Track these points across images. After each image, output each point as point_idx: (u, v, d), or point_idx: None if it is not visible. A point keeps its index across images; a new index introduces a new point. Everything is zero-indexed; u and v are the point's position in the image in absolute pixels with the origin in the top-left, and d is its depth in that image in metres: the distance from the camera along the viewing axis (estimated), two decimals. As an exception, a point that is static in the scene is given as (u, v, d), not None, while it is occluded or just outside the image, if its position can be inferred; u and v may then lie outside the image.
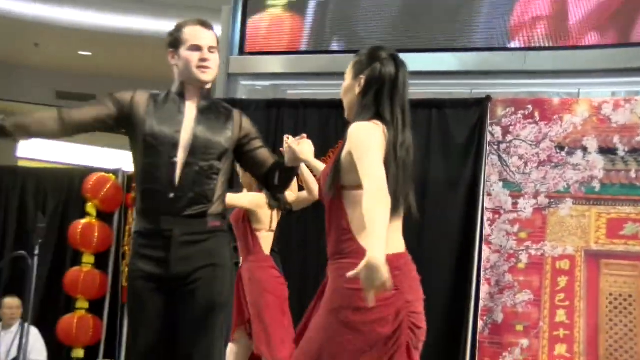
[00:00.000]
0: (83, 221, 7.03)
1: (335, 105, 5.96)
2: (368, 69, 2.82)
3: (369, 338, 2.67)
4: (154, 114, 3.15)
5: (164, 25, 11.12)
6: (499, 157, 5.63)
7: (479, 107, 5.74)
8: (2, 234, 7.75)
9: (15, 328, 6.67)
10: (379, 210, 2.53)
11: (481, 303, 5.52)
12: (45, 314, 7.22)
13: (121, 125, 3.21)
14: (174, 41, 3.22)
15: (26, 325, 6.29)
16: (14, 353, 6.48)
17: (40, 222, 6.49)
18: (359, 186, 2.63)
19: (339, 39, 6.47)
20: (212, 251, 3.13)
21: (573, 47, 5.81)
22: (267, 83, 6.87)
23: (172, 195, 3.07)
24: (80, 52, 11.75)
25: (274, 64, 6.73)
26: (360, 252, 2.55)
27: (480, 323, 5.50)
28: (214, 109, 3.23)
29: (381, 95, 2.78)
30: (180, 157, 3.10)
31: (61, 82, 12.55)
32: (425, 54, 6.20)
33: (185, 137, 3.13)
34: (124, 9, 10.63)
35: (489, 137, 5.67)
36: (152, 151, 3.11)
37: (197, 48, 3.16)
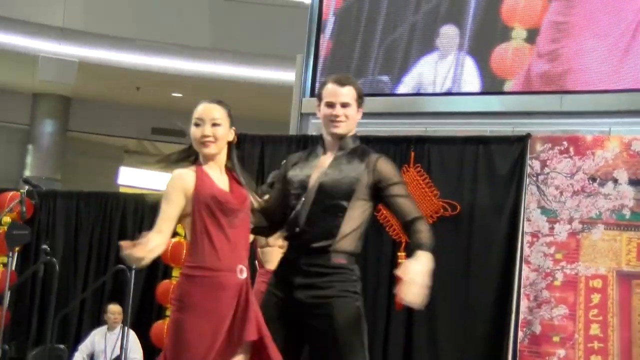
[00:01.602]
0: (173, 240, 7.14)
1: (393, 141, 6.12)
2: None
3: None
4: (297, 166, 3.23)
5: (243, 71, 11.39)
6: (538, 187, 5.65)
7: (520, 143, 5.77)
8: (106, 250, 7.92)
9: (117, 331, 6.84)
10: None
11: (521, 316, 5.50)
12: (141, 320, 7.36)
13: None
14: (318, 97, 3.27)
15: (126, 328, 6.52)
16: (116, 352, 6.69)
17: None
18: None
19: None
20: (334, 284, 3.06)
21: (604, 91, 5.82)
22: (334, 122, 6.97)
23: (297, 229, 3.11)
24: (173, 94, 12.05)
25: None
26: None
27: (520, 333, 5.49)
28: (351, 155, 3.19)
29: None
30: (308, 197, 3.11)
31: (156, 119, 12.84)
32: (473, 97, 6.30)
33: (314, 179, 3.14)
34: (209, 58, 10.90)
35: (528, 170, 5.69)
36: (287, 193, 3.19)
37: (330, 105, 3.19)
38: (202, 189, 3.00)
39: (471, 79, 6.37)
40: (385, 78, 6.71)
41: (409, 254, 3.03)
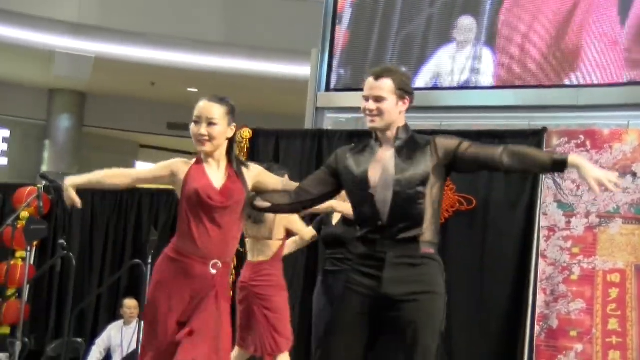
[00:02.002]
0: (190, 235, 7.19)
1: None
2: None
3: None
4: (353, 160, 3.19)
5: (258, 66, 11.38)
6: (554, 181, 5.57)
7: (536, 137, 5.72)
8: (122, 245, 7.95)
9: (134, 325, 6.87)
10: None
11: (538, 310, 5.46)
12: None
13: (339, 182, 3.24)
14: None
15: (142, 323, 6.54)
16: (133, 346, 6.72)
17: (153, 236, 6.68)
18: None
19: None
20: (424, 277, 3.03)
21: (622, 83, 5.77)
22: (349, 115, 6.97)
23: (380, 223, 3.05)
24: (189, 89, 12.07)
25: (356, 99, 6.83)
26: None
27: (537, 328, 5.45)
28: (411, 143, 3.12)
29: None
30: (386, 190, 3.06)
31: (172, 115, 12.87)
32: (489, 90, 6.26)
33: (385, 173, 3.09)
34: (224, 52, 10.91)
35: (543, 164, 5.66)
36: (354, 191, 3.16)
37: (365, 99, 3.16)
38: (189, 180, 3.18)
39: (489, 70, 6.33)
40: (403, 69, 6.69)
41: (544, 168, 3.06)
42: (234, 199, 3.17)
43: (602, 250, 5.37)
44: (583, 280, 5.40)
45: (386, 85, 3.13)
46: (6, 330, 7.47)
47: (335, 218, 5.21)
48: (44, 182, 7.17)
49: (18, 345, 6.04)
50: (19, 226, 6.92)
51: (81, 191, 8.98)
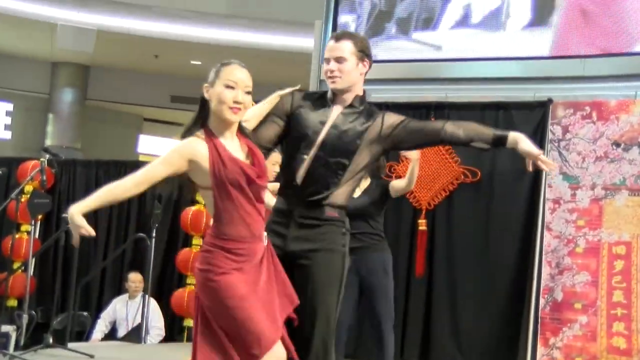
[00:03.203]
0: (193, 208, 7.16)
1: (413, 106, 6.05)
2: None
3: None
4: (307, 109, 3.18)
5: (264, 38, 11.32)
6: (559, 153, 5.57)
7: (542, 109, 5.69)
8: (126, 219, 7.98)
9: (138, 299, 6.88)
10: None
11: (542, 283, 5.46)
12: (162, 288, 7.43)
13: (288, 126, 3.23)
14: None
15: (146, 296, 6.56)
16: (138, 319, 6.75)
17: (157, 209, 6.70)
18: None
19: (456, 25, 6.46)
20: (325, 236, 3.10)
21: (629, 53, 5.69)
22: (353, 86, 6.91)
23: (298, 182, 3.10)
24: (192, 62, 12.01)
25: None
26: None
27: (542, 301, 5.45)
28: (359, 114, 3.16)
29: None
30: (311, 153, 3.10)
31: (175, 87, 12.82)
32: (494, 62, 6.19)
33: (321, 136, 3.12)
34: (229, 24, 10.83)
35: (550, 136, 5.61)
36: (294, 145, 3.15)
37: (327, 60, 3.19)
38: (218, 163, 2.83)
39: None
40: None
41: (487, 143, 3.07)
42: (265, 170, 3.00)
43: (608, 222, 5.35)
44: (588, 252, 5.38)
45: (346, 47, 3.16)
46: (13, 303, 7.51)
47: None
48: (47, 156, 7.16)
49: (25, 318, 6.06)
50: (23, 200, 6.91)
51: (85, 163, 8.97)
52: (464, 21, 6.36)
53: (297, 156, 3.13)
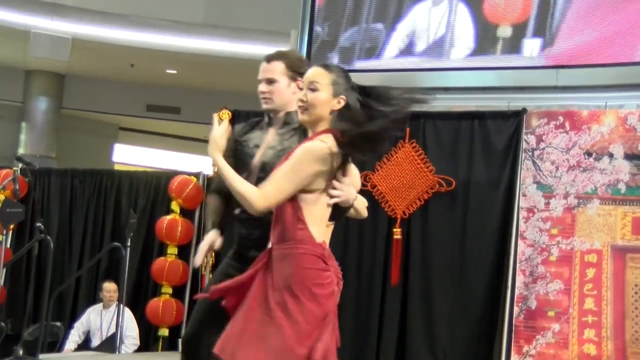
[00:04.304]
0: (168, 217, 7.17)
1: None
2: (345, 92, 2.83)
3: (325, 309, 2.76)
4: (246, 136, 3.25)
5: (241, 47, 11.34)
6: (533, 162, 5.64)
7: (516, 118, 5.75)
8: (101, 227, 7.92)
9: (113, 308, 6.85)
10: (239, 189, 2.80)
11: (517, 291, 5.50)
12: (137, 297, 7.39)
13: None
14: None
15: (121, 306, 6.53)
16: (112, 329, 6.71)
17: (132, 218, 6.69)
18: (310, 191, 2.77)
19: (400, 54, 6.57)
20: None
21: (600, 64, 5.78)
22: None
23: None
24: (168, 71, 11.99)
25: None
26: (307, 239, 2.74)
27: (516, 309, 5.50)
28: (294, 131, 3.18)
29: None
30: (253, 174, 3.14)
31: (151, 96, 12.80)
32: (468, 71, 6.26)
33: (259, 156, 3.19)
34: (205, 33, 10.83)
35: (524, 145, 5.68)
36: (240, 167, 3.17)
37: (259, 82, 3.23)
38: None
39: (465, 26, 6.30)
40: (379, 26, 6.65)
41: None
42: None
43: (580, 231, 5.41)
44: (561, 261, 5.44)
45: (277, 68, 3.21)
46: (-17, 314, 7.44)
47: None
48: (20, 165, 7.12)
49: (-6, 329, 6.01)
50: (-5, 209, 6.86)
51: (60, 172, 8.93)
52: (408, 50, 6.44)
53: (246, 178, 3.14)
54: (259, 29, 10.38)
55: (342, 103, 2.83)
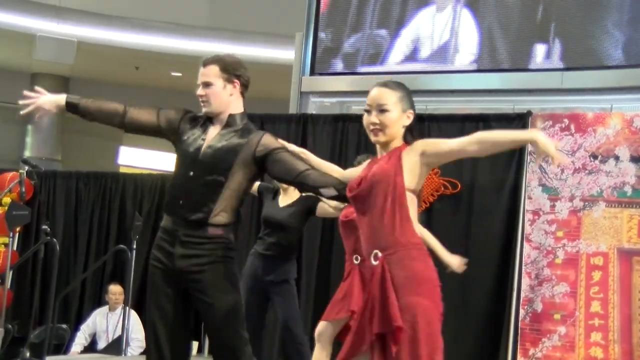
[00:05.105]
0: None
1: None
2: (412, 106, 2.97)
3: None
4: (191, 132, 3.29)
5: (243, 50, 11.38)
6: (539, 165, 5.64)
7: (521, 121, 5.74)
8: (106, 230, 7.94)
9: (119, 311, 6.85)
10: None
11: (522, 294, 5.50)
12: (142, 300, 7.38)
13: (167, 137, 3.36)
14: None
15: (127, 308, 6.53)
16: (119, 331, 6.71)
17: (138, 221, 6.68)
18: (413, 190, 2.83)
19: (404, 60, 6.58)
20: (209, 252, 3.18)
21: (606, 67, 5.78)
22: (334, 100, 6.96)
23: (181, 202, 3.21)
24: (173, 73, 12.01)
25: (340, 83, 6.84)
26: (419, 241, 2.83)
27: (521, 311, 5.49)
28: (235, 132, 3.24)
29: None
30: (190, 173, 3.21)
31: (156, 99, 12.79)
32: (473, 74, 6.25)
33: (197, 155, 3.23)
34: (210, 36, 10.84)
35: (529, 147, 5.67)
36: (179, 165, 3.29)
37: (198, 86, 3.28)
38: None
39: (469, 32, 6.30)
40: (383, 32, 6.66)
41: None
42: (365, 183, 3.04)
43: (586, 233, 5.40)
44: (567, 263, 5.43)
45: (212, 71, 3.24)
46: (-11, 316, 7.44)
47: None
48: (26, 168, 7.13)
49: (0, 332, 6.01)
50: (1, 212, 6.87)
51: (65, 175, 8.95)
52: (412, 56, 6.45)
53: (179, 176, 3.24)
54: (262, 31, 10.40)
55: (411, 118, 2.95)
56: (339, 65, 6.76)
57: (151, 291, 3.30)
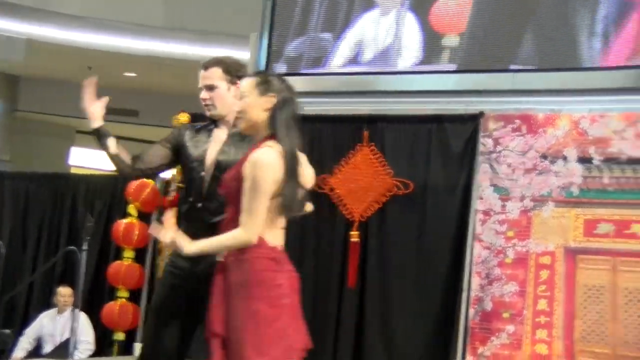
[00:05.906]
0: (125, 221, 7.12)
1: (346, 119, 6.14)
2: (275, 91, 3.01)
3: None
4: (192, 140, 3.33)
5: (201, 50, 11.35)
6: (490, 165, 5.72)
7: (473, 122, 5.83)
8: (57, 231, 7.88)
9: (67, 313, 6.79)
10: (227, 244, 2.90)
11: (472, 293, 5.58)
12: (92, 301, 7.33)
13: (177, 155, 3.39)
14: None
15: (76, 310, 6.46)
16: (67, 334, 6.64)
17: (89, 222, 6.62)
18: None
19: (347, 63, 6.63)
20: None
21: (556, 69, 5.89)
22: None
23: (199, 204, 3.21)
24: (126, 74, 11.92)
25: (296, 83, 6.83)
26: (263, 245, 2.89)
27: (471, 311, 5.57)
28: (240, 136, 3.27)
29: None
30: (207, 173, 3.22)
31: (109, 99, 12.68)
32: (426, 75, 6.32)
33: (212, 157, 3.25)
34: (165, 36, 10.79)
35: (481, 148, 5.76)
36: (187, 170, 3.30)
37: (200, 90, 3.31)
38: None
39: (412, 35, 6.35)
40: (327, 35, 6.68)
41: None
42: (226, 182, 3.16)
43: (536, 233, 5.51)
44: (517, 263, 5.53)
45: (215, 74, 3.30)
46: None
47: None
48: (-27, 168, 7.02)
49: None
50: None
51: (14, 176, 8.81)
52: (354, 59, 6.51)
53: (195, 180, 3.26)
54: (220, 31, 10.38)
55: (273, 101, 2.96)
56: (282, 71, 6.73)
57: (164, 295, 3.29)
